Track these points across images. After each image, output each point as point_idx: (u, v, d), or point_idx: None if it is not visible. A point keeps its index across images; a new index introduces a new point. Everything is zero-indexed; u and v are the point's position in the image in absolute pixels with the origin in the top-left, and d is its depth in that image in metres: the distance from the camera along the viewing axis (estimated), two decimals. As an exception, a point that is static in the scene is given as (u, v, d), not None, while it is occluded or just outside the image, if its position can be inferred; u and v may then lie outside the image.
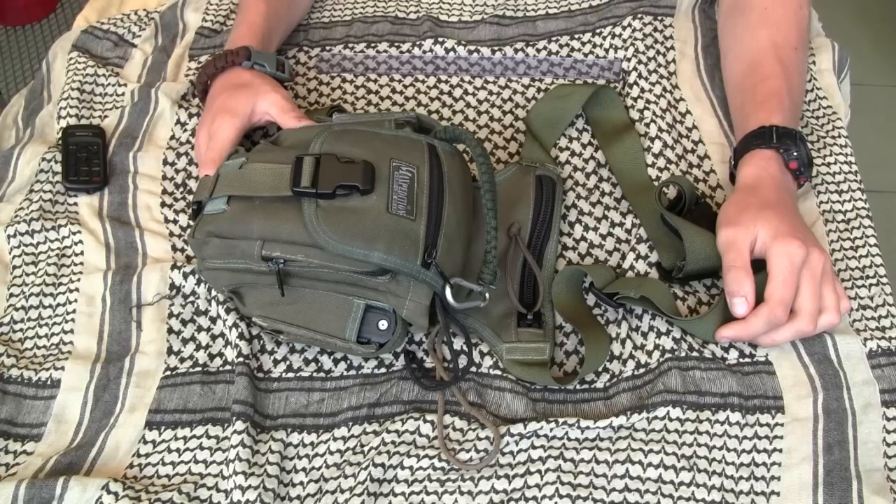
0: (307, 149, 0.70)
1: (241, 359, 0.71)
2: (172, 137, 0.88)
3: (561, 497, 0.63)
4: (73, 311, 0.76)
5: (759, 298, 0.68)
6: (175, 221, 0.82)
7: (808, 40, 0.89)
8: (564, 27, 0.97)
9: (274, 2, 0.91)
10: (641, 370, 0.70)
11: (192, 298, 0.76)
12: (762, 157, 0.74)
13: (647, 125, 0.85)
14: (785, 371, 0.69)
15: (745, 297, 0.67)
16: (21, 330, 0.76)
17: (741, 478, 0.65)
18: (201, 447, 0.68)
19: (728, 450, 0.66)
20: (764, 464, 0.65)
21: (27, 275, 0.79)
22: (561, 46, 0.95)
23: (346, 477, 0.66)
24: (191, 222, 0.82)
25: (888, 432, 0.67)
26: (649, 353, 0.71)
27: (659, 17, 0.95)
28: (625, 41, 0.93)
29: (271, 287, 0.70)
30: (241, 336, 0.72)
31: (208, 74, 0.84)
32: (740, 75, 0.83)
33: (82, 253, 0.80)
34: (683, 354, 0.70)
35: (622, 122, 0.86)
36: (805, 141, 0.75)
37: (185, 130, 0.89)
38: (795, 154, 0.75)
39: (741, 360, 0.70)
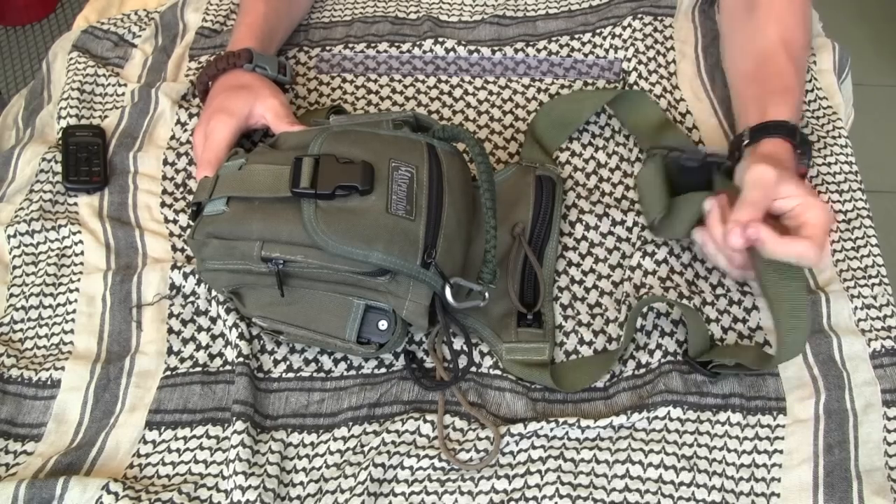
0: (306, 150, 0.70)
1: (241, 359, 0.71)
2: (172, 137, 0.88)
3: (561, 497, 0.63)
4: (74, 311, 0.76)
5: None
6: (175, 221, 0.82)
7: (811, 40, 0.89)
8: (564, 27, 0.97)
9: (274, 2, 0.91)
10: (642, 370, 0.70)
11: (192, 298, 0.76)
12: (786, 147, 0.74)
13: (648, 125, 0.85)
14: (789, 373, 0.69)
15: (741, 227, 0.66)
16: (21, 330, 0.76)
17: (741, 478, 0.65)
18: (201, 447, 0.68)
19: (728, 450, 0.66)
20: (764, 465, 0.65)
21: (27, 275, 0.79)
22: (561, 46, 0.95)
23: (346, 477, 0.66)
24: (191, 223, 0.82)
25: (889, 432, 0.67)
26: (651, 353, 0.71)
27: (659, 18, 0.95)
28: (625, 41, 0.93)
29: (271, 288, 0.70)
30: (241, 336, 0.72)
31: (209, 75, 0.84)
32: (752, 68, 0.82)
33: (82, 253, 0.80)
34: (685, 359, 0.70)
35: (659, 120, 0.85)
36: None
37: (186, 130, 0.89)
38: (806, 163, 0.75)
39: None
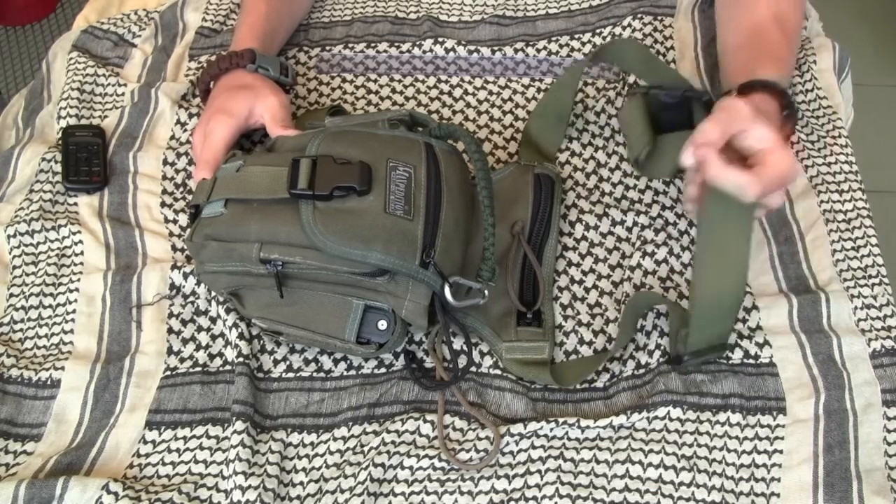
0: (304, 151, 0.70)
1: (241, 359, 0.71)
2: (172, 137, 0.88)
3: (561, 497, 0.63)
4: (73, 311, 0.76)
5: None
6: (175, 221, 0.82)
7: (804, 20, 0.89)
8: (564, 27, 0.97)
9: (275, 2, 0.91)
10: (641, 370, 0.71)
11: (192, 298, 0.76)
12: (772, 104, 0.72)
13: (647, 125, 0.85)
14: (789, 373, 0.69)
15: (695, 148, 0.64)
16: (21, 330, 0.76)
17: (741, 478, 0.65)
18: (201, 447, 0.68)
19: (728, 450, 0.66)
20: (764, 465, 0.65)
21: (27, 275, 0.79)
22: (561, 46, 0.95)
23: (346, 477, 0.66)
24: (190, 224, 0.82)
25: (889, 432, 0.67)
26: (650, 353, 0.71)
27: (659, 17, 0.95)
28: (625, 41, 0.93)
29: (270, 289, 0.70)
30: (241, 336, 0.72)
31: (211, 75, 0.84)
32: (743, 40, 0.82)
33: (82, 253, 0.80)
34: None
35: (646, 57, 0.82)
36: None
37: (185, 130, 0.89)
38: (792, 127, 0.74)
39: (745, 360, 0.70)
